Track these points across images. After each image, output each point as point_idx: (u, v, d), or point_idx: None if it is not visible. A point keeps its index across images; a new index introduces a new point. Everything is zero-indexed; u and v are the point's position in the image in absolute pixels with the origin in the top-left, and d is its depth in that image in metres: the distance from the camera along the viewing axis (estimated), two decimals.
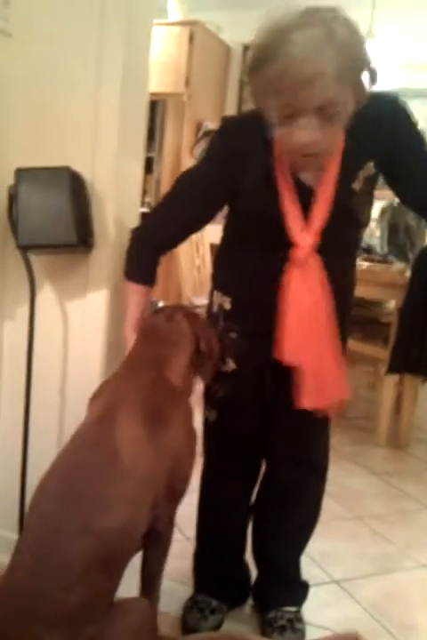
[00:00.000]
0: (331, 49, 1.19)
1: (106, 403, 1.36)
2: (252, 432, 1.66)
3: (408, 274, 2.94)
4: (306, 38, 1.19)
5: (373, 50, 4.27)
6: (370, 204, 1.51)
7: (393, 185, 1.50)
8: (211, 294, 1.65)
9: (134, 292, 1.57)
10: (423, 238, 3.96)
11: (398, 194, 1.51)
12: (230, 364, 1.58)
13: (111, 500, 1.22)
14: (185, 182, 1.55)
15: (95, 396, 1.44)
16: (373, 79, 1.30)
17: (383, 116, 1.41)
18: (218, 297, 1.60)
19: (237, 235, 1.57)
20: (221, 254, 1.64)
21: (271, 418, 1.61)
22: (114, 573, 1.24)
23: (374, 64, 1.28)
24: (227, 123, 1.56)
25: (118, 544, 1.22)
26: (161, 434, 1.32)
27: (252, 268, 1.50)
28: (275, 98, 1.25)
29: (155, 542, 1.40)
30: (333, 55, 1.19)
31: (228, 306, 1.58)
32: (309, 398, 1.48)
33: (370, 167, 1.43)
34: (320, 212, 1.41)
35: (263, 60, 1.23)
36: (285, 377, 1.52)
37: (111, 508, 1.22)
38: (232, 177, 1.47)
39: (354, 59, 1.23)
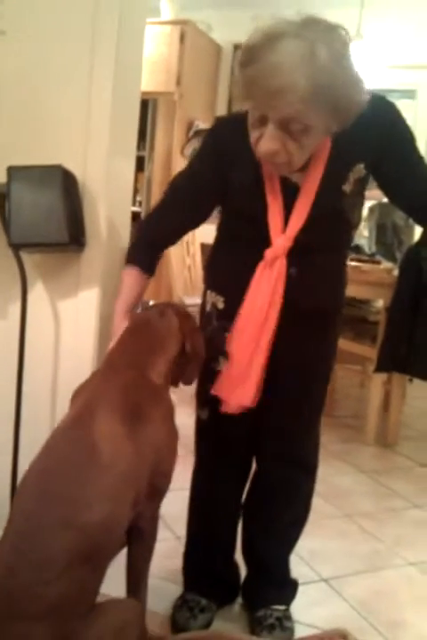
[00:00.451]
0: (305, 69, 1.19)
1: (86, 400, 1.37)
2: (243, 431, 1.66)
3: (396, 273, 2.97)
4: (286, 51, 1.19)
5: (360, 50, 4.28)
6: (361, 204, 1.52)
7: (384, 186, 1.50)
8: (204, 293, 1.66)
9: (129, 274, 1.56)
10: (411, 237, 3.98)
11: (387, 194, 1.52)
12: (223, 364, 1.59)
13: (92, 496, 1.23)
14: (179, 182, 1.58)
15: (77, 394, 1.44)
16: (342, 118, 1.28)
17: (376, 117, 1.40)
18: (211, 296, 1.61)
19: (228, 234, 1.58)
20: (214, 254, 1.65)
21: (262, 417, 1.61)
22: (97, 568, 1.24)
23: (356, 97, 1.26)
24: (218, 122, 1.58)
25: (100, 539, 1.22)
26: (141, 431, 1.33)
27: (243, 268, 1.51)
28: (249, 100, 1.29)
29: (138, 540, 1.41)
30: (305, 75, 1.19)
31: (221, 305, 1.59)
32: (220, 387, 1.53)
33: (360, 169, 1.44)
34: (300, 213, 1.43)
35: (247, 60, 1.25)
36: (275, 376, 1.54)
37: (92, 503, 1.22)
38: (222, 175, 1.49)
39: (328, 85, 1.21)
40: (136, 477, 1.31)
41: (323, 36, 1.21)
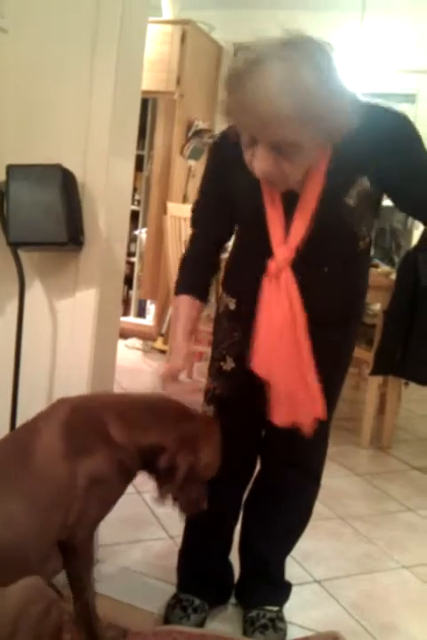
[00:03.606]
0: (289, 92, 1.19)
1: (46, 409, 1.40)
2: (249, 431, 1.67)
3: (393, 277, 2.97)
4: (268, 77, 1.19)
5: (361, 54, 4.28)
6: (372, 216, 1.50)
7: (390, 192, 1.48)
8: (219, 296, 1.69)
9: (182, 301, 1.59)
10: (409, 241, 3.99)
11: (395, 201, 1.50)
12: (230, 364, 1.60)
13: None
14: (197, 207, 1.64)
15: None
16: (332, 132, 1.28)
17: (380, 128, 1.39)
18: (225, 298, 1.65)
19: (239, 239, 1.62)
20: (230, 257, 1.67)
21: (269, 419, 1.62)
22: None
23: (343, 115, 1.25)
24: (219, 135, 1.59)
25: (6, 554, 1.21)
26: (77, 461, 1.32)
27: (252, 272, 1.52)
28: (237, 125, 1.32)
29: (72, 557, 1.40)
30: (289, 99, 1.19)
31: (232, 306, 1.61)
32: (279, 414, 1.48)
33: (364, 182, 1.42)
34: (300, 224, 1.43)
35: (233, 86, 1.26)
36: None
37: None
38: (226, 183, 1.51)
39: (313, 106, 1.21)
40: (62, 502, 1.31)
41: (306, 57, 1.20)
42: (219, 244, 1.66)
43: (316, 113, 1.22)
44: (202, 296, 1.61)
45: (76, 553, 1.39)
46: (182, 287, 1.61)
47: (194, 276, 1.62)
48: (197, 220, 1.64)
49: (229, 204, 1.54)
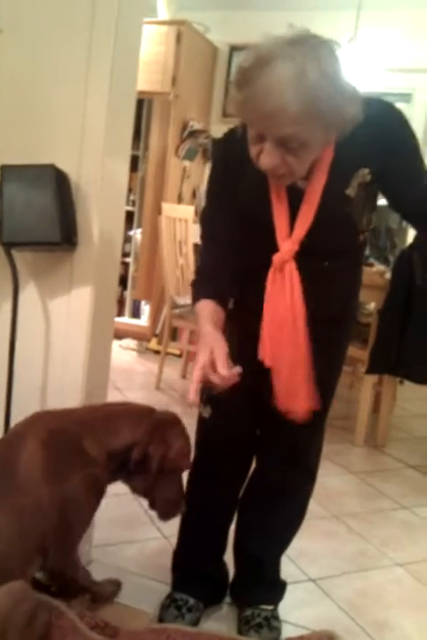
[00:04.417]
0: (296, 89, 1.20)
1: (25, 423, 1.43)
2: (245, 431, 1.68)
3: (388, 276, 2.99)
4: (276, 74, 1.20)
5: (356, 53, 4.25)
6: (371, 210, 1.51)
7: (385, 192, 1.50)
8: None
9: (205, 304, 1.49)
10: (404, 241, 4.00)
11: (389, 200, 1.52)
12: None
13: None
14: (206, 210, 1.61)
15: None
16: (339, 129, 1.30)
17: (380, 123, 1.41)
18: None
19: (240, 238, 1.59)
20: None
21: (266, 417, 1.62)
22: None
23: (350, 111, 1.27)
24: (223, 135, 1.59)
25: None
26: (57, 485, 1.36)
27: (251, 271, 1.53)
28: (244, 120, 1.33)
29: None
30: (296, 96, 1.20)
31: (230, 306, 1.60)
32: (280, 401, 1.50)
33: (365, 174, 1.44)
34: (305, 218, 1.44)
35: (241, 82, 1.27)
36: None
37: None
38: (232, 180, 1.51)
39: (320, 103, 1.22)
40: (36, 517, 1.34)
41: (313, 54, 1.21)
42: (233, 246, 1.58)
43: (322, 109, 1.23)
44: (223, 302, 1.51)
45: (61, 571, 1.44)
46: (200, 294, 1.52)
47: (211, 283, 1.52)
48: (208, 224, 1.59)
49: (237, 202, 1.53)
